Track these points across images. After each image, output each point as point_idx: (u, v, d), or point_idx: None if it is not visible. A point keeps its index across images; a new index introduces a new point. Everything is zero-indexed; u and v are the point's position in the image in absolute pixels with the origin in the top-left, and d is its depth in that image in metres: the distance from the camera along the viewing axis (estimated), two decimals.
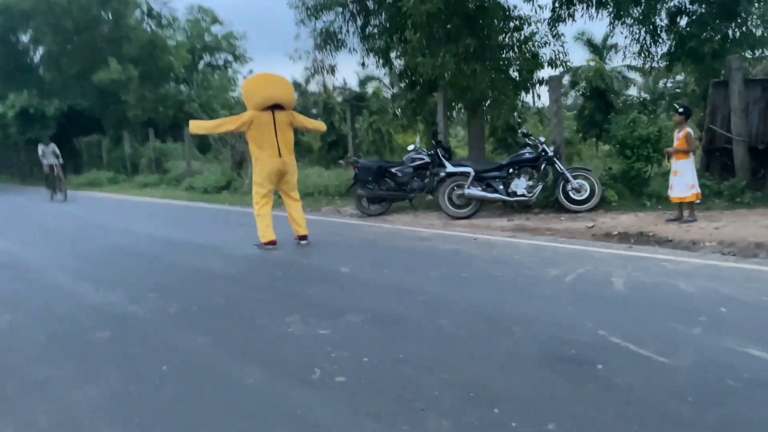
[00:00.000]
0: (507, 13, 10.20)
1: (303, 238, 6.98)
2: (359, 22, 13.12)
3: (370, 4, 12.81)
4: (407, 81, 13.03)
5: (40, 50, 29.78)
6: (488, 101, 10.62)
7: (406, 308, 4.11)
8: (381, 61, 13.22)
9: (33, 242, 8.67)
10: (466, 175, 8.48)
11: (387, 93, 32.88)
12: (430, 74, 8.91)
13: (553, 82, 8.69)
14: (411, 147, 10.10)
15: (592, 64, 16.66)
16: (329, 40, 13.50)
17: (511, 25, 10.00)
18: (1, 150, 38.17)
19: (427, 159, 9.41)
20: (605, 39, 22.95)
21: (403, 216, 9.30)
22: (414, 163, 9.47)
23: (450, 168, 8.62)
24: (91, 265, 6.57)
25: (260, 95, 6.62)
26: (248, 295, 4.85)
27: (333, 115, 25.78)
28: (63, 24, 22.70)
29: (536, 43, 10.71)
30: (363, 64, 13.87)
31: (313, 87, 27.38)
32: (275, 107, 6.66)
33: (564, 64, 11.56)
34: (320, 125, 7.78)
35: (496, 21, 9.35)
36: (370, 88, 34.74)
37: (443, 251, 6.20)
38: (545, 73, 12.42)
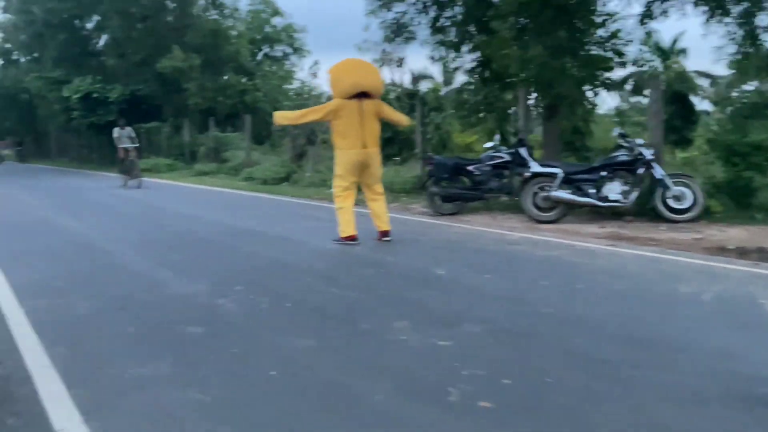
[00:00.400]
0: (594, 7, 9.55)
1: (385, 234, 6.61)
2: (431, 14, 12.67)
3: None
4: (480, 76, 12.52)
5: (105, 37, 30.45)
6: (570, 99, 10.01)
7: (530, 322, 3.65)
8: (453, 54, 12.75)
9: (107, 226, 8.55)
10: (553, 176, 7.93)
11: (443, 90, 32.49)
12: (518, 67, 8.38)
13: (654, 81, 8.09)
14: (489, 144, 9.58)
15: (674, 66, 15.84)
16: (399, 32, 13.10)
17: (599, 20, 9.34)
18: (60, 135, 39.27)
19: (507, 158, 8.87)
20: (674, 41, 21.98)
21: (479, 217, 8.81)
22: (493, 162, 8.95)
23: (536, 167, 8.08)
24: (168, 251, 6.34)
25: (347, 82, 6.33)
26: (344, 294, 4.46)
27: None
28: (129, 10, 22.96)
29: (621, 41, 10.03)
30: (433, 58, 13.40)
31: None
32: (362, 95, 6.32)
33: (648, 63, 10.83)
34: (404, 119, 7.42)
35: (588, 14, 8.73)
36: (423, 86, 34.44)
37: (541, 258, 5.70)
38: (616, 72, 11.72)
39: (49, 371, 3.12)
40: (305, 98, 19.04)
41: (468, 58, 12.74)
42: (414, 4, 12.79)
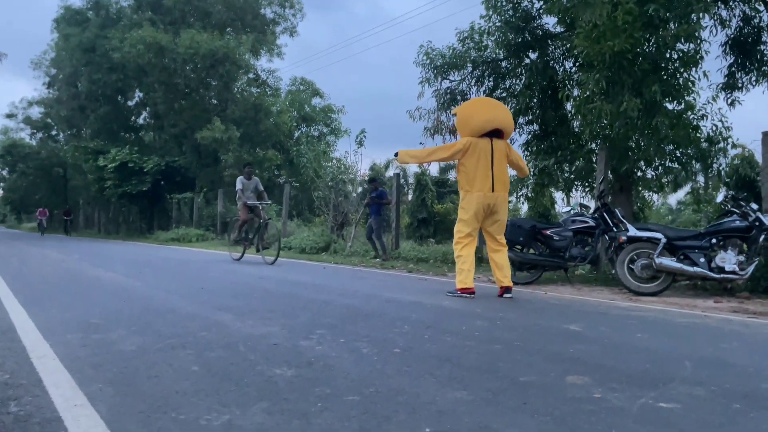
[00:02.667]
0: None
1: (507, 290, 5.98)
2: (488, 84, 12.22)
3: (504, 64, 11.93)
4: (537, 148, 11.84)
5: (145, 113, 31.03)
6: (653, 165, 9.19)
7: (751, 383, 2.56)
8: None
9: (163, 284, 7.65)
10: (653, 241, 6.92)
11: None
12: (609, 123, 7.62)
13: (766, 138, 7.20)
14: (566, 209, 8.69)
15: (737, 150, 15.09)
16: (454, 101, 12.62)
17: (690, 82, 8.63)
18: (85, 207, 39.38)
19: (591, 222, 7.94)
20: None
21: (560, 287, 7.74)
22: (575, 226, 8.01)
23: (634, 231, 7.09)
24: (225, 298, 5.37)
25: (480, 118, 5.95)
26: (464, 344, 3.44)
27: (425, 191, 24.86)
28: (173, 82, 23.24)
29: (696, 114, 9.24)
30: None
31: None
32: (493, 134, 5.95)
33: (725, 141, 10.08)
34: (527, 170, 7.03)
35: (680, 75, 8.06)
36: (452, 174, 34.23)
37: (684, 324, 4.61)
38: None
39: (86, 412, 2.12)
40: (342, 173, 18.52)
41: (525, 130, 12.15)
42: (471, 72, 12.38)
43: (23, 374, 2.66)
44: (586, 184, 10.96)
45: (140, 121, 32.12)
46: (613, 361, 3.05)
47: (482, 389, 2.43)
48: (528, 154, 12.40)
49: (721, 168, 10.19)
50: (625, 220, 7.47)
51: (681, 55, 7.85)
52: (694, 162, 9.95)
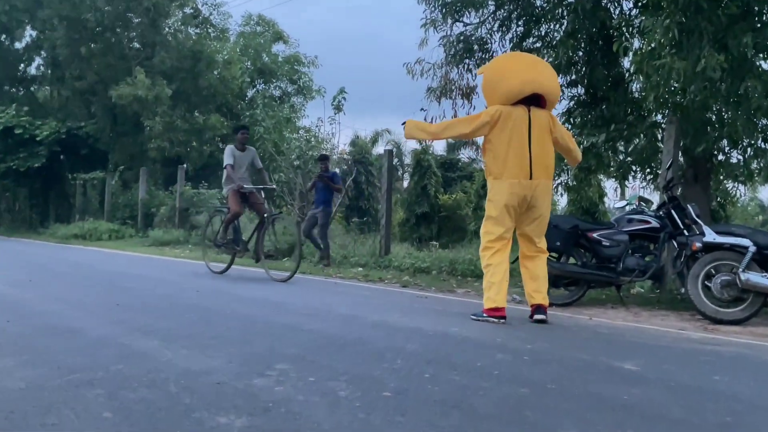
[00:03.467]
0: None
1: (540, 310, 6.10)
2: (517, 30, 12.29)
3: (540, 3, 12.00)
4: (582, 118, 11.93)
5: (38, 60, 30.83)
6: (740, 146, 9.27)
7: None
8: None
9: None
10: (739, 251, 7.00)
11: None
12: (683, 84, 7.68)
13: None
14: (621, 204, 8.77)
15: None
16: (469, 52, 12.65)
17: None
18: None
19: (654, 223, 8.01)
20: None
21: (608, 311, 7.82)
22: (631, 228, 8.08)
23: (713, 237, 7.17)
24: (150, 318, 5.38)
25: (516, 79, 5.93)
26: (479, 385, 3.48)
27: (427, 176, 24.96)
28: (82, 17, 23.05)
29: None
30: None
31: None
32: (532, 101, 5.95)
33: None
34: (579, 153, 6.82)
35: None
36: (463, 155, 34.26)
37: None
38: None
39: None
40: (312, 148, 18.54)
41: (567, 94, 12.24)
42: (494, 13, 12.46)
43: None
44: (648, 169, 11.04)
45: (32, 70, 31.97)
46: (682, 411, 3.11)
47: None
48: (570, 127, 12.52)
49: None
50: (700, 221, 7.55)
51: None
52: None
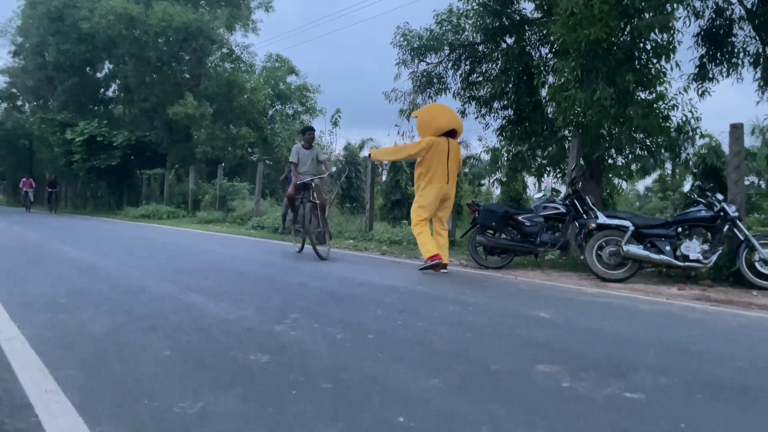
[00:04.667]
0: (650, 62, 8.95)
1: (444, 266, 6.94)
2: (465, 68, 12.20)
3: (482, 48, 11.89)
4: (511, 134, 11.93)
5: (115, 86, 30.24)
6: (624, 154, 9.32)
7: (733, 373, 2.66)
8: (484, 110, 12.23)
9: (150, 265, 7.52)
10: (621, 229, 7.05)
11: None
12: (583, 110, 7.68)
13: (736, 131, 7.34)
14: (538, 195, 8.78)
15: (705, 140, 15.45)
16: (430, 84, 12.58)
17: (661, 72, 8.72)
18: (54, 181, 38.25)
19: (562, 209, 8.04)
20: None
21: (529, 272, 7.84)
22: (546, 213, 8.11)
23: (603, 219, 7.21)
24: (197, 278, 5.31)
25: (441, 120, 6.92)
26: (436, 328, 3.48)
27: (400, 173, 24.89)
28: (145, 54, 22.66)
29: (667, 104, 9.33)
30: (463, 113, 12.82)
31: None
32: (449, 134, 6.96)
33: (694, 131, 10.30)
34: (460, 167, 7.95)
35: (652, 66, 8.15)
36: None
37: (651, 311, 4.73)
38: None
39: (57, 398, 2.09)
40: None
41: (500, 114, 12.21)
42: (448, 56, 12.33)
43: None
44: (558, 169, 11.08)
45: (110, 93, 31.33)
46: (581, 347, 3.12)
47: (454, 376, 2.47)
48: (502, 138, 12.49)
49: (688, 157, 10.36)
50: (595, 208, 7.59)
51: (654, 45, 7.93)
52: (662, 150, 10.12)
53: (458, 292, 5.12)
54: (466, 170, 25.21)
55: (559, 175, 11.89)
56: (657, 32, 7.81)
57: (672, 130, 8.76)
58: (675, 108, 9.05)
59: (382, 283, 5.68)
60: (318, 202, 8.04)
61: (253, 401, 2.11)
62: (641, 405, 2.20)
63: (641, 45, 7.99)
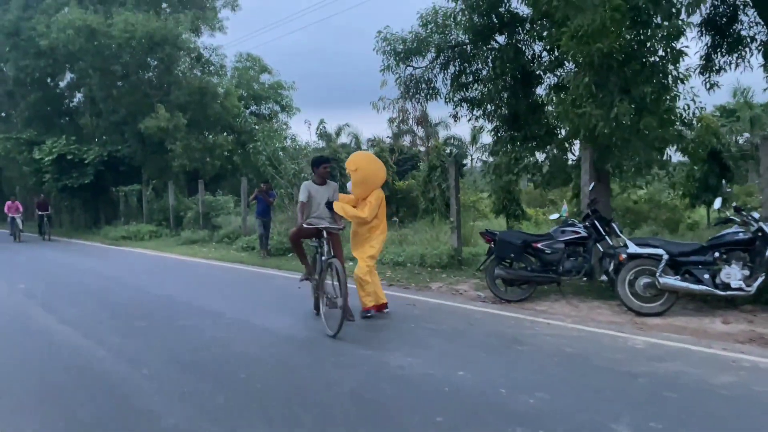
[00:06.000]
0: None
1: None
2: (455, 69, 11.56)
3: (470, 48, 11.24)
4: (509, 136, 11.38)
5: (79, 95, 28.91)
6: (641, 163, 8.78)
7: None
8: (479, 112, 11.65)
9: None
10: (655, 258, 6.55)
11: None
12: (603, 127, 7.06)
13: (766, 142, 6.84)
14: (555, 216, 8.26)
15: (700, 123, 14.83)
16: (419, 89, 11.92)
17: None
18: (22, 199, 36.69)
19: (583, 233, 7.52)
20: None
21: (555, 305, 7.36)
22: (565, 237, 7.58)
23: (634, 248, 6.69)
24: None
25: (380, 175, 6.88)
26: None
27: (387, 168, 24.17)
28: (111, 68, 21.53)
29: (671, 96, 8.76)
30: (456, 116, 12.19)
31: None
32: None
33: (698, 120, 9.81)
34: None
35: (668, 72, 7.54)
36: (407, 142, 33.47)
37: (724, 387, 4.21)
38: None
39: None
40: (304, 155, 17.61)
41: (495, 116, 11.63)
42: (436, 58, 11.66)
43: None
44: (565, 174, 10.49)
45: (75, 102, 29.98)
46: None
47: None
48: (496, 140, 11.97)
49: (689, 145, 9.74)
50: (621, 234, 7.08)
51: (670, 50, 7.35)
52: (670, 146, 9.58)
53: (507, 372, 4.52)
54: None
55: (568, 194, 11.34)
56: (672, 39, 7.20)
57: (687, 138, 8.24)
58: (677, 98, 8.35)
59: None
60: (337, 259, 6.14)
61: None
62: None
63: (659, 53, 7.40)
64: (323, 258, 6.24)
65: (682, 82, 7.56)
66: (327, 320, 5.98)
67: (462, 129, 75.94)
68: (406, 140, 32.54)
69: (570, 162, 10.47)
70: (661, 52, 7.42)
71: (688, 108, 8.53)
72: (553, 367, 4.62)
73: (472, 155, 36.70)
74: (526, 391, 4.06)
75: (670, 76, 7.38)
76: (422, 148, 32.21)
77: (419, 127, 12.18)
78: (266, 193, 13.54)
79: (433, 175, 21.90)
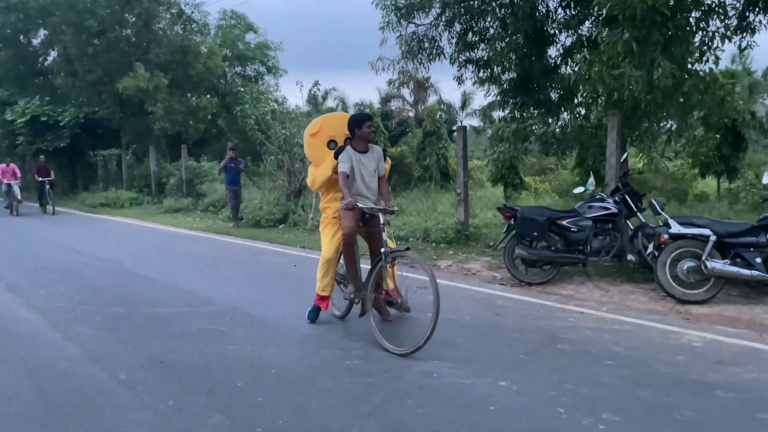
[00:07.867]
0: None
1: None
2: (459, 28, 10.63)
3: (477, 4, 10.29)
4: (517, 102, 10.57)
5: (54, 53, 27.32)
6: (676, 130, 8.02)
7: None
8: (486, 73, 10.80)
9: None
10: (700, 239, 5.82)
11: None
12: (644, 91, 6.25)
13: None
14: (579, 190, 7.49)
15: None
16: (422, 48, 10.97)
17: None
18: None
19: (613, 209, 6.77)
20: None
21: (581, 288, 6.63)
22: (593, 214, 6.82)
23: (677, 228, 5.95)
24: None
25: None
26: None
27: (378, 134, 23.21)
28: (85, 23, 20.10)
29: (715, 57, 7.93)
30: (460, 79, 11.27)
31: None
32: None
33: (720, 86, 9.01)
34: None
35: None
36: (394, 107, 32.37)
37: None
38: None
39: None
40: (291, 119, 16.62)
41: (503, 79, 10.78)
42: (442, 13, 10.69)
43: None
44: (581, 146, 9.72)
45: (49, 61, 28.35)
46: None
47: None
48: (506, 106, 11.17)
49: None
50: (664, 213, 6.32)
51: (713, 5, 6.51)
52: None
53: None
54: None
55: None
56: None
57: (732, 105, 7.46)
58: (701, 59, 7.51)
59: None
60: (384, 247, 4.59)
61: None
62: None
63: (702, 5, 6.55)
64: (382, 250, 4.54)
65: (729, 40, 6.72)
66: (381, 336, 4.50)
67: (451, 95, 74.41)
68: (394, 105, 31.48)
69: (588, 129, 9.68)
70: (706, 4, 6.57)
71: (710, 70, 7.79)
72: (611, 376, 3.89)
73: (461, 121, 35.77)
74: (588, 410, 3.33)
75: (717, 33, 6.52)
76: (411, 113, 31.17)
77: (418, 91, 11.14)
78: (235, 159, 12.95)
79: (427, 141, 21.04)
